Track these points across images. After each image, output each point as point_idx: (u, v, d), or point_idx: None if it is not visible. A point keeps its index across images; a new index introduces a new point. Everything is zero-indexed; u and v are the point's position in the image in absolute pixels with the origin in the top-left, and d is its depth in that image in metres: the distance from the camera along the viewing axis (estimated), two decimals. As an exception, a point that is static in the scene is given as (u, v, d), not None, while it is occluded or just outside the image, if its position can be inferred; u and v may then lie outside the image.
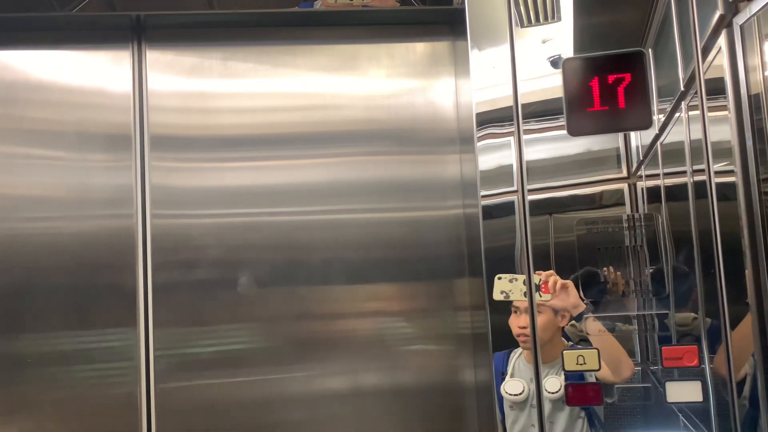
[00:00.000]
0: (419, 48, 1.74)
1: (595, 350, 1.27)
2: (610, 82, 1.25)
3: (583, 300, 1.33)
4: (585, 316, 1.32)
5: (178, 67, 1.70)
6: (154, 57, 1.70)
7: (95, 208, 1.64)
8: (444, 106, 1.72)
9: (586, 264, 1.35)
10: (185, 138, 1.68)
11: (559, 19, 1.44)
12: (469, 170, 1.59)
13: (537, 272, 1.35)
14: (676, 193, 1.39)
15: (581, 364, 1.26)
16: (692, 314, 1.30)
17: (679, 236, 1.35)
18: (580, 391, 1.25)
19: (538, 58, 1.39)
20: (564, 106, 1.31)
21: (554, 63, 1.37)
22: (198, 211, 1.66)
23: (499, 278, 1.37)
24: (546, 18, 1.44)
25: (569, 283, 1.33)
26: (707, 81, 1.26)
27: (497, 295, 1.36)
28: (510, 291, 1.36)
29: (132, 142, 1.66)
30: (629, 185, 1.38)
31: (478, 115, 1.40)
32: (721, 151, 1.26)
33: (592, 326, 1.31)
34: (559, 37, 1.40)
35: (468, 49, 1.43)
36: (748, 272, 1.17)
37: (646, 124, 1.27)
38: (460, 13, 1.50)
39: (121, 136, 1.66)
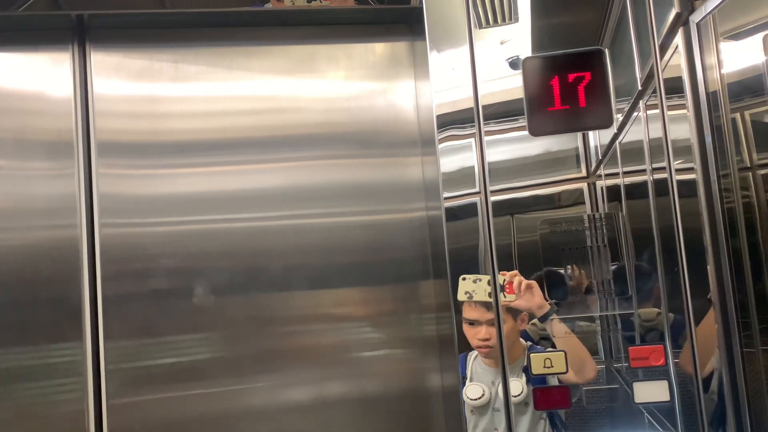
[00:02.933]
0: (378, 49, 1.71)
1: (562, 353, 1.26)
2: (570, 81, 1.24)
3: (547, 300, 1.32)
4: (550, 317, 1.31)
5: (125, 70, 1.63)
6: (99, 59, 1.62)
7: (37, 219, 1.56)
8: (405, 107, 1.70)
9: (549, 264, 1.35)
10: (135, 144, 1.61)
11: (517, 20, 1.43)
12: (432, 172, 1.57)
13: (501, 273, 1.34)
14: (637, 191, 1.40)
15: (548, 367, 1.26)
16: (656, 309, 1.31)
17: (640, 234, 1.36)
18: (549, 395, 1.24)
19: (497, 59, 1.38)
20: (525, 106, 1.29)
21: (513, 64, 1.36)
22: (150, 219, 1.60)
23: (464, 279, 1.36)
24: (504, 19, 1.43)
25: (533, 283, 1.33)
26: (665, 80, 1.28)
27: (461, 296, 1.35)
28: (474, 291, 1.35)
29: (74, 149, 1.58)
30: (588, 184, 1.39)
31: (439, 117, 1.38)
32: (681, 149, 1.27)
33: (558, 328, 1.30)
34: (516, 37, 1.39)
35: (427, 50, 1.41)
36: (710, 267, 1.19)
37: (607, 123, 1.26)
38: (418, 13, 1.48)
39: (64, 143, 1.58)
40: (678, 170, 1.28)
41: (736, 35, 1.14)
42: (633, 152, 1.41)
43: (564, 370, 1.26)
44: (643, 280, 1.33)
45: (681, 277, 1.20)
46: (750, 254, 1.11)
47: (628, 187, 1.43)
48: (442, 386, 1.62)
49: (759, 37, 1.13)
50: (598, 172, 1.40)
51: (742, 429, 1.14)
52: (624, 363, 1.33)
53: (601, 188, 1.39)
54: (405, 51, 1.72)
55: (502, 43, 1.40)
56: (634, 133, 1.37)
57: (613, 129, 1.35)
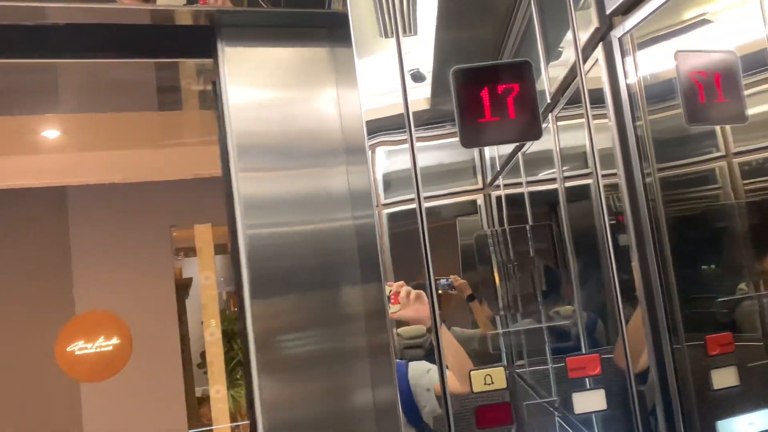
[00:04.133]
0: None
1: (501, 367, 1.26)
2: (499, 92, 1.25)
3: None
4: (439, 327, 1.29)
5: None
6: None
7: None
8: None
9: (471, 270, 1.35)
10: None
11: (416, 32, 1.45)
12: (358, 181, 1.53)
13: (388, 283, 1.30)
14: (541, 198, 1.47)
15: (489, 384, 1.25)
16: (569, 306, 1.37)
17: (556, 241, 1.42)
18: (492, 412, 1.23)
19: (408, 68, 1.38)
20: (456, 118, 1.27)
21: (415, 76, 1.37)
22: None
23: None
24: (404, 31, 1.43)
25: (421, 293, 1.29)
26: (576, 93, 1.33)
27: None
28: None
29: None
30: (485, 195, 1.40)
31: (368, 123, 1.35)
32: (578, 157, 1.34)
33: (446, 337, 1.29)
34: (417, 50, 1.39)
35: (354, 56, 1.37)
36: (635, 264, 1.25)
37: (536, 135, 1.27)
38: (340, 18, 1.44)
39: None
40: (578, 176, 1.36)
41: (646, 43, 1.23)
42: (537, 162, 1.47)
43: (504, 386, 1.25)
44: (550, 284, 1.38)
45: (612, 281, 1.25)
46: (674, 252, 1.20)
47: (532, 195, 1.49)
48: (374, 402, 1.57)
49: (664, 45, 1.23)
50: (495, 183, 1.42)
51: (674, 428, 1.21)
52: (528, 368, 1.37)
53: (499, 198, 1.42)
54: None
55: (405, 54, 1.40)
56: (536, 144, 1.42)
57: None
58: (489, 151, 1.41)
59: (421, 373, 1.32)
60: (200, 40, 1.59)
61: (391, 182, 1.34)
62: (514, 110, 1.25)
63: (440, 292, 1.32)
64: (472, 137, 1.27)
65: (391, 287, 1.29)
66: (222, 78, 1.57)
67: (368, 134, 1.29)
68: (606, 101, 1.27)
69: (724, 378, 1.14)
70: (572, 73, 1.31)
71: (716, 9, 1.27)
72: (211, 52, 1.60)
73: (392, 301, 1.29)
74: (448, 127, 1.39)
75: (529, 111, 1.26)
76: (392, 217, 1.34)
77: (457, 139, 1.30)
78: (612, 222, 1.26)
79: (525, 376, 1.37)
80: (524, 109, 1.27)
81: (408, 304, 1.28)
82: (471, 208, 1.42)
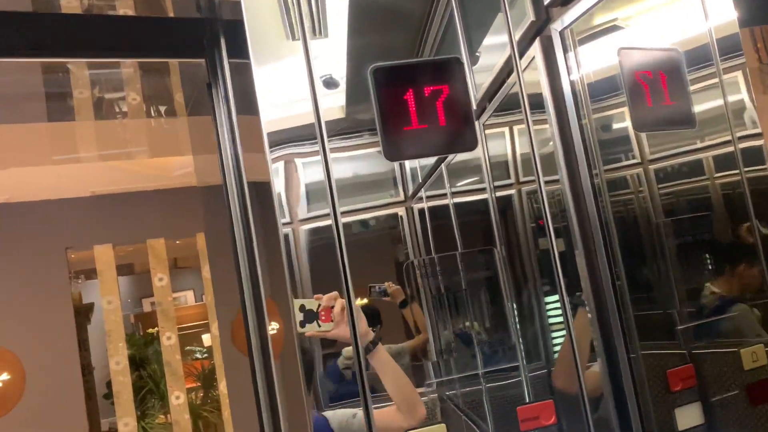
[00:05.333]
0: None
1: (443, 425, 1.10)
2: (426, 95, 1.11)
3: (372, 329, 1.17)
4: (373, 349, 1.15)
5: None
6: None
7: None
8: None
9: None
10: None
11: (327, 35, 1.31)
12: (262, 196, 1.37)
13: (316, 296, 1.13)
14: (466, 210, 1.37)
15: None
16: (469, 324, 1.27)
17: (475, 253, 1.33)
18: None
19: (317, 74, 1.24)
20: (378, 126, 1.13)
21: (327, 83, 1.24)
22: None
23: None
24: (314, 33, 1.30)
25: (357, 306, 1.14)
26: (512, 94, 1.24)
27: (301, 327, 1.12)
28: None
29: None
30: (406, 209, 1.31)
31: (270, 135, 1.20)
32: (501, 165, 1.24)
33: (383, 360, 1.15)
34: (328, 54, 1.26)
35: (251, 64, 1.22)
36: (581, 260, 1.14)
37: (471, 144, 1.14)
38: (234, 26, 1.28)
39: None
40: (519, 182, 1.26)
41: (585, 39, 1.14)
42: (462, 172, 1.38)
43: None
44: (489, 299, 1.29)
45: (559, 291, 1.15)
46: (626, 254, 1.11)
47: (457, 206, 1.39)
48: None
49: (603, 40, 1.15)
50: (418, 195, 1.32)
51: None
52: (460, 389, 1.26)
53: (417, 211, 1.32)
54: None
55: (314, 59, 1.26)
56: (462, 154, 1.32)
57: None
58: (410, 162, 1.30)
59: (347, 421, 1.16)
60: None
61: (307, 195, 1.20)
62: (444, 116, 1.10)
63: (365, 304, 1.17)
64: (396, 148, 1.12)
65: (320, 300, 1.11)
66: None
67: (271, 147, 1.13)
68: (545, 101, 1.16)
69: (689, 417, 1.06)
70: (502, 76, 1.20)
71: (659, 2, 1.21)
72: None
73: (323, 317, 1.11)
74: (366, 137, 1.28)
75: (461, 117, 1.12)
76: (313, 231, 1.20)
77: (376, 149, 1.17)
78: (555, 226, 1.15)
79: (457, 399, 1.25)
80: (456, 115, 1.12)
81: (342, 322, 1.11)
82: (393, 221, 1.31)
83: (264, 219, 1.38)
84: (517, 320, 1.27)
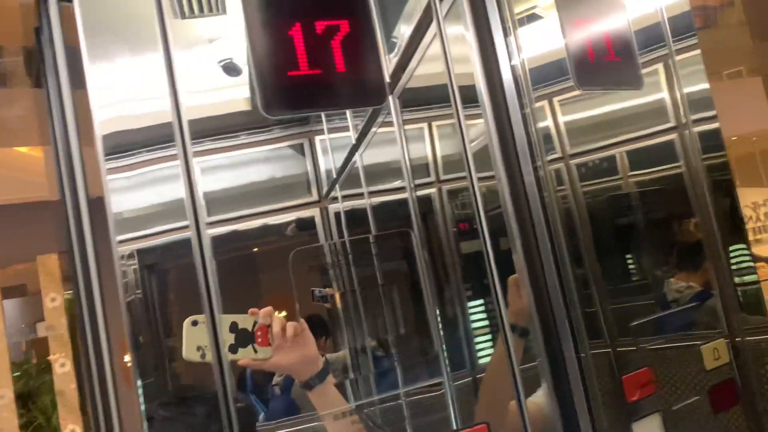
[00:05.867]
0: None
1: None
2: (319, 33, 0.84)
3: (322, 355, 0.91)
4: (320, 384, 0.89)
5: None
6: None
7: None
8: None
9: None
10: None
11: (225, 11, 1.07)
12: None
13: (251, 311, 0.87)
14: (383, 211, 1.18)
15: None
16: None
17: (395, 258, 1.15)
18: None
19: (204, 61, 1.01)
20: (252, 70, 0.85)
21: (228, 68, 0.99)
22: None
23: (194, 324, 0.84)
24: (210, 9, 1.04)
25: (304, 325, 0.89)
26: (407, 90, 1.00)
27: (191, 354, 0.83)
28: (208, 347, 0.84)
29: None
30: (321, 209, 1.14)
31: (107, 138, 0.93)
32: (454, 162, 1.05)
33: (329, 397, 0.89)
34: (230, 35, 1.02)
35: (82, 52, 0.93)
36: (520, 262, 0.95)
37: (379, 98, 0.89)
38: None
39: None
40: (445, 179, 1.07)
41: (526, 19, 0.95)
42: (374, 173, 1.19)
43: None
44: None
45: (494, 297, 0.94)
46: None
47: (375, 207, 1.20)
48: None
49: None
50: (331, 195, 1.15)
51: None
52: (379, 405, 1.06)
53: (334, 213, 1.14)
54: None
55: (211, 41, 1.01)
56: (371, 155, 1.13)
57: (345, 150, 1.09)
58: (324, 163, 1.11)
59: None
60: None
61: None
62: (343, 59, 0.84)
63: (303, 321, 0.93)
64: (277, 98, 0.85)
65: (256, 316, 0.85)
66: None
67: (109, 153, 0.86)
68: (478, 87, 0.92)
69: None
70: (409, 50, 0.95)
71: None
72: None
73: (260, 339, 0.85)
74: (276, 132, 1.08)
75: (366, 61, 0.87)
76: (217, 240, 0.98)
77: (286, 144, 0.97)
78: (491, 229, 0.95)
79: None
80: (358, 59, 0.87)
81: (284, 345, 0.85)
82: (307, 224, 1.14)
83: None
84: (440, 328, 1.07)
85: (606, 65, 0.94)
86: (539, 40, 0.94)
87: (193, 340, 0.83)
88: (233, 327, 0.85)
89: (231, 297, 1.05)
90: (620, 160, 1.07)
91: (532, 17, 0.97)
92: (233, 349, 0.84)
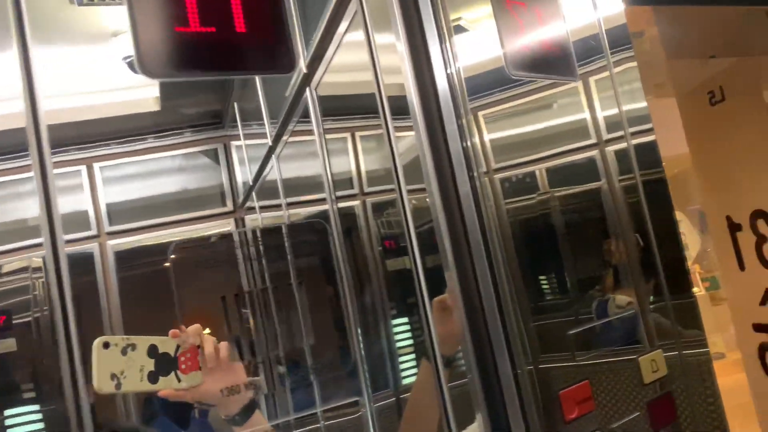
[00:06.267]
0: None
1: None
2: None
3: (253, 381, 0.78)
4: (252, 412, 0.76)
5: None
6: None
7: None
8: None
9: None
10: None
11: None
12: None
13: (172, 332, 0.73)
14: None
15: None
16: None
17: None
18: None
19: (107, 58, 0.93)
20: (130, 25, 0.70)
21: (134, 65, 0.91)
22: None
23: (106, 346, 0.70)
24: None
25: (228, 347, 0.76)
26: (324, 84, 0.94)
27: (104, 383, 0.70)
28: (124, 374, 0.70)
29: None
30: (236, 219, 1.12)
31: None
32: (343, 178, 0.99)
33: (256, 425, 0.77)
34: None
35: None
36: (452, 281, 0.88)
37: (288, 64, 0.77)
38: None
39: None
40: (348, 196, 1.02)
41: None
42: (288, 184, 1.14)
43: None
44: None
45: (421, 309, 0.87)
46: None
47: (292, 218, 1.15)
48: None
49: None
50: (247, 205, 1.13)
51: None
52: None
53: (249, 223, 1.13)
54: None
55: (115, 35, 0.93)
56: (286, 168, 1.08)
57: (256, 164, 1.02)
58: (241, 174, 1.08)
59: None
60: None
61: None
62: (243, 17, 0.72)
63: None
64: (161, 57, 0.71)
65: (179, 337, 0.72)
66: None
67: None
68: (410, 94, 0.84)
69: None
70: (326, 39, 0.88)
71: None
72: None
73: (184, 365, 0.72)
74: (187, 135, 1.05)
75: (271, 20, 0.75)
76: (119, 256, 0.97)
77: (197, 150, 0.90)
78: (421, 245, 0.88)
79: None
80: (261, 18, 0.74)
81: (215, 370, 0.72)
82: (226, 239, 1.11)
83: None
84: (362, 346, 0.99)
85: (540, 51, 0.90)
86: (471, 50, 0.90)
87: (106, 366, 0.68)
88: (152, 351, 0.71)
89: (141, 317, 0.96)
90: (539, 176, 1.02)
91: (458, 28, 0.93)
92: (152, 378, 0.70)
